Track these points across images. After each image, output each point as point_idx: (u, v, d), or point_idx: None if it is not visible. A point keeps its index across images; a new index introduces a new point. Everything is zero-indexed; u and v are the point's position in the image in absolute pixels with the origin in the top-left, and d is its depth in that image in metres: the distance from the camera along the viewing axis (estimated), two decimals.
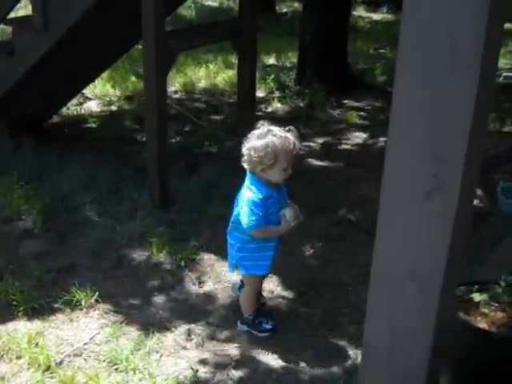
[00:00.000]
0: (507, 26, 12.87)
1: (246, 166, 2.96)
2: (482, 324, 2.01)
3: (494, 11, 1.21)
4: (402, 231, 1.46)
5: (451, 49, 1.26)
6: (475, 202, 4.85)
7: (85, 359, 3.03)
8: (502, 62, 9.41)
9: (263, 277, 3.31)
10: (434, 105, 1.33)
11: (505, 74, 8.61)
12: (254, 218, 2.90)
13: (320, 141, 6.24)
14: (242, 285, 3.34)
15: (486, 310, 2.06)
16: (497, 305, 2.11)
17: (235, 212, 3.07)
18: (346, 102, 7.52)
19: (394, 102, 1.40)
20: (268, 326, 3.23)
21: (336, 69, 7.93)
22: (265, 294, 3.53)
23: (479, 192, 4.99)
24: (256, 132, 2.93)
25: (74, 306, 3.41)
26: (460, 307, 2.10)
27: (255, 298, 3.29)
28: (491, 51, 1.28)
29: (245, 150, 2.92)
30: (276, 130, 2.93)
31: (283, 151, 2.86)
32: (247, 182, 2.99)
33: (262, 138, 2.87)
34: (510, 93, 7.79)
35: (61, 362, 3.00)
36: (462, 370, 2.10)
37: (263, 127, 2.94)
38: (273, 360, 3.05)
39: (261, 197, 2.91)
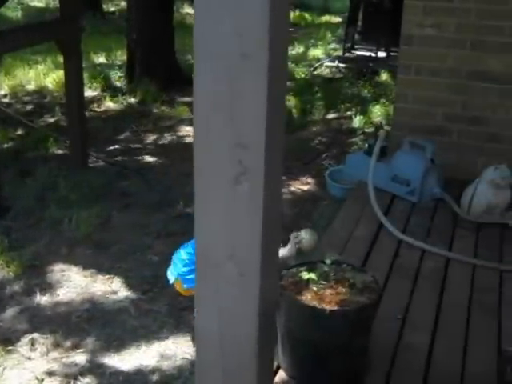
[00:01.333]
0: (326, 18, 13.56)
1: None
2: (313, 301, 2.17)
3: (275, 10, 1.33)
4: (217, 217, 1.51)
5: (240, 45, 1.36)
6: (307, 188, 5.14)
7: None
8: (322, 53, 9.96)
9: None
10: (232, 96, 1.40)
11: (326, 63, 9.12)
12: None
13: (153, 137, 6.26)
14: None
15: (315, 288, 2.22)
16: (325, 282, 2.28)
17: None
18: (177, 97, 7.58)
19: (195, 93, 1.45)
20: None
21: (165, 65, 7.96)
22: (108, 296, 3.52)
23: (310, 179, 5.28)
24: None
25: None
26: (293, 288, 2.24)
27: None
28: (278, 45, 1.39)
29: None
30: None
31: None
32: None
33: None
34: (332, 82, 8.28)
35: None
36: (295, 345, 2.24)
37: None
38: (120, 362, 3.06)
39: None
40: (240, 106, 1.43)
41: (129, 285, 3.70)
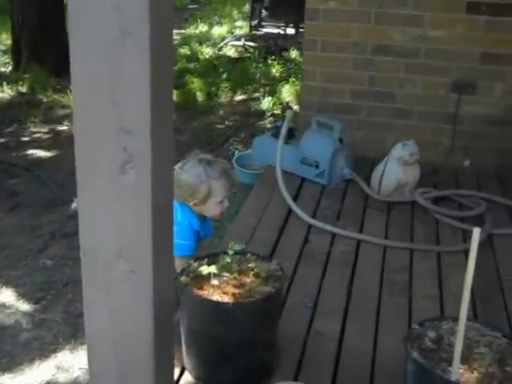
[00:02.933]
0: None
1: None
2: (215, 295, 2.20)
3: None
4: (102, 211, 1.46)
5: (119, 21, 1.33)
6: None
7: None
8: (227, 32, 9.98)
9: None
10: (112, 77, 1.35)
11: (232, 42, 9.15)
12: None
13: (45, 129, 6.12)
14: None
15: (217, 282, 2.25)
16: (228, 274, 2.31)
17: None
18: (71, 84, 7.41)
19: (73, 77, 1.41)
20: None
21: (55, 49, 7.76)
22: None
23: None
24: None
25: None
26: (194, 283, 2.26)
27: None
28: (161, 21, 1.37)
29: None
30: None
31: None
32: None
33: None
34: (238, 62, 8.32)
35: None
36: (199, 343, 2.27)
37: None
38: (10, 380, 2.98)
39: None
40: (122, 88, 1.39)
41: (19, 294, 3.60)
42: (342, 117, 4.59)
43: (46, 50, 7.64)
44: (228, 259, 2.35)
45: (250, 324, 2.20)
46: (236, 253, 2.39)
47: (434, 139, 4.60)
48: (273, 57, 8.26)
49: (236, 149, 5.29)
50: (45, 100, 6.85)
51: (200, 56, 8.65)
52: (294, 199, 3.87)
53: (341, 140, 4.17)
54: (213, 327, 2.19)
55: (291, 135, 4.35)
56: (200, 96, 7.02)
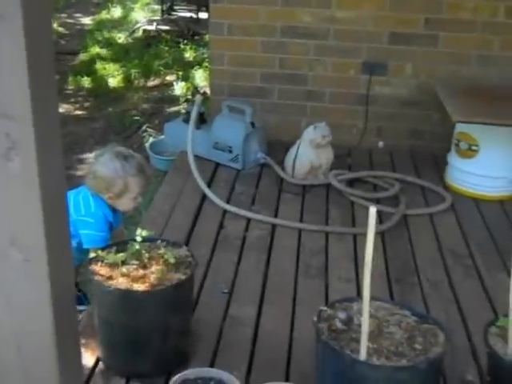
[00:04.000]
0: None
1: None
2: (124, 284, 2.14)
3: None
4: None
5: None
6: None
7: None
8: (140, 16, 9.81)
9: None
10: None
11: (144, 26, 8.99)
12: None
13: None
14: None
15: (125, 270, 2.19)
16: (137, 262, 2.26)
17: None
18: None
19: None
20: None
21: None
22: None
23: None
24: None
25: None
26: (104, 272, 2.20)
27: None
28: (35, 6, 1.33)
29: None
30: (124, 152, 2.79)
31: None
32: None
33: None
34: (151, 46, 8.18)
35: None
36: (110, 332, 2.22)
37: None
38: None
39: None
40: (0, 73, 1.36)
41: None
42: (254, 100, 4.58)
43: None
44: (137, 246, 2.29)
45: (160, 312, 2.17)
46: (145, 240, 2.33)
47: (348, 121, 4.65)
48: (185, 41, 8.15)
49: (150, 135, 5.19)
50: None
51: (112, 41, 8.46)
52: (209, 185, 3.83)
53: (252, 124, 4.15)
54: (123, 316, 2.14)
55: (203, 120, 4.31)
56: (113, 82, 6.86)
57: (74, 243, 2.73)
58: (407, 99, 4.56)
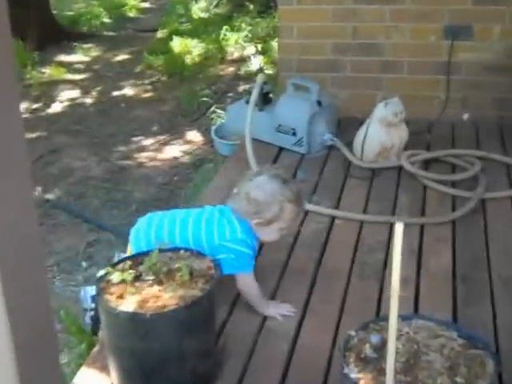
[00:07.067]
0: None
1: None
2: (134, 305, 1.98)
3: None
4: None
5: None
6: (195, 148, 4.92)
7: None
8: None
9: None
10: None
11: None
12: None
13: (22, 108, 5.92)
14: None
15: (133, 289, 2.03)
16: (152, 278, 2.09)
17: None
18: (55, 57, 7.21)
19: None
20: None
21: (37, 21, 7.53)
22: None
23: (200, 137, 5.07)
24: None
25: None
26: (114, 290, 2.05)
27: None
28: None
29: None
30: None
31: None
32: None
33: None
34: (230, 19, 7.99)
35: None
36: (119, 357, 2.07)
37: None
38: None
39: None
40: None
41: None
42: (325, 75, 4.32)
43: (25, 23, 7.38)
44: (154, 259, 2.13)
45: (172, 335, 2.00)
46: (162, 250, 2.17)
47: (428, 92, 4.31)
48: (270, 11, 7.87)
49: (219, 117, 5.02)
50: (26, 77, 6.61)
51: (193, 15, 8.34)
52: None
53: (319, 102, 3.89)
54: (131, 341, 1.99)
55: (267, 101, 4.09)
56: (189, 60, 6.73)
57: None
58: (495, 65, 4.16)
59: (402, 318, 1.89)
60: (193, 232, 2.46)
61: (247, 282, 2.45)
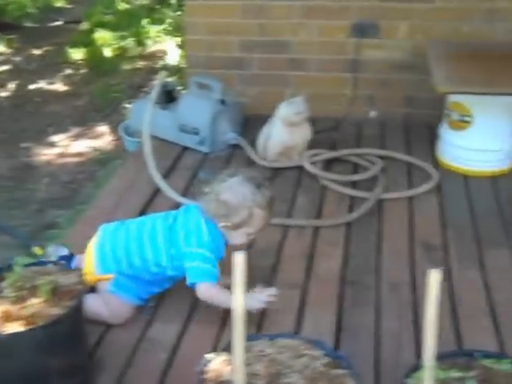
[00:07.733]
0: None
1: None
2: None
3: None
4: None
5: None
6: (104, 145, 4.82)
7: None
8: None
9: None
10: None
11: None
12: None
13: None
14: None
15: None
16: (15, 294, 2.01)
17: None
18: None
19: None
20: None
21: None
22: None
23: (109, 134, 4.97)
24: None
25: None
26: None
27: None
28: None
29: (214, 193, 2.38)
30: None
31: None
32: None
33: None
34: (154, 11, 7.86)
35: None
36: None
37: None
38: None
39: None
40: None
41: None
42: (232, 72, 4.28)
43: None
44: (16, 275, 2.05)
45: (32, 356, 1.92)
46: (27, 264, 2.09)
47: (336, 90, 4.30)
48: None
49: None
50: None
51: (119, 6, 8.17)
52: (169, 172, 3.56)
53: (222, 101, 3.84)
54: None
55: (172, 99, 4.02)
56: (108, 53, 6.59)
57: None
58: (401, 63, 4.18)
59: (270, 337, 1.87)
60: (164, 242, 2.41)
61: (213, 293, 2.34)
